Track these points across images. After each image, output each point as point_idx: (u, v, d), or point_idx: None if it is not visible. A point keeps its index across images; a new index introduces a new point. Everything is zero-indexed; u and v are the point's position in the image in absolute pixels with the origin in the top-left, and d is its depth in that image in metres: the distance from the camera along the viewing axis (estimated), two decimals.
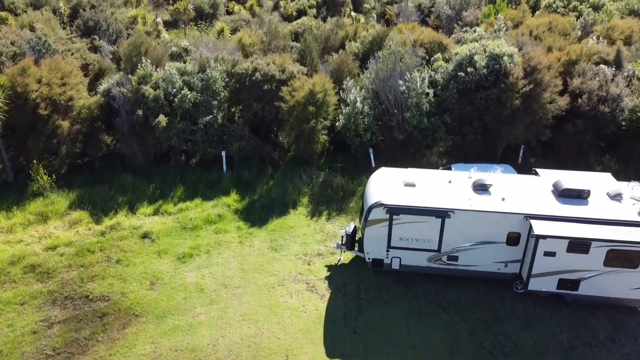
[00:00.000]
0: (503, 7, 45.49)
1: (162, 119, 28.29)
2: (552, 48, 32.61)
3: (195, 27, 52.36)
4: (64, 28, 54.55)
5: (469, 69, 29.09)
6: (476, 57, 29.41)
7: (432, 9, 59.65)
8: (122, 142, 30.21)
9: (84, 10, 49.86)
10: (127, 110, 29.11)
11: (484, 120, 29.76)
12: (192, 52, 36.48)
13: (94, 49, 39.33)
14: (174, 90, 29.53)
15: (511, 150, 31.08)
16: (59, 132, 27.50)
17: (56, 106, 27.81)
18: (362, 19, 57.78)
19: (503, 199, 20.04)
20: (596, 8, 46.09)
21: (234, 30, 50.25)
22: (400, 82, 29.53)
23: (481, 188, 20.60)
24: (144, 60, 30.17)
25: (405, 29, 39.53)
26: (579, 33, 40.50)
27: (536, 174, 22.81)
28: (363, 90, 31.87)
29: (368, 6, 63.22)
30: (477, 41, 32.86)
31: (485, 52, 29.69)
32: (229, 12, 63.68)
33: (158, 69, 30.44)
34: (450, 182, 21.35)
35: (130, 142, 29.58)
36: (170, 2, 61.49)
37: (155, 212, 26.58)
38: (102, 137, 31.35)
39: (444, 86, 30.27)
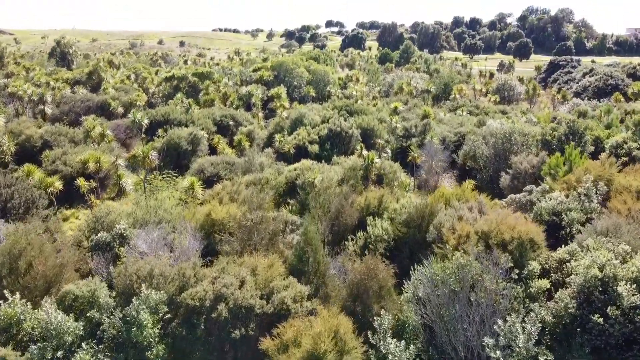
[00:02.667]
0: (575, 157, 33.25)
1: None
2: None
3: (160, 177, 40.01)
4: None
5: (609, 311, 15.65)
6: (620, 288, 16.06)
7: (463, 145, 48.30)
8: None
9: None
10: None
11: None
12: (131, 241, 23.24)
13: None
14: (60, 353, 15.65)
15: None
16: None
17: None
18: (377, 159, 45.91)
19: None
20: None
21: (209, 182, 38.14)
22: (486, 340, 15.71)
23: None
24: (9, 297, 16.54)
25: (455, 199, 26.79)
26: None
27: None
28: (409, 327, 18.23)
29: (381, 141, 51.99)
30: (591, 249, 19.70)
31: (625, 268, 16.48)
32: (212, 148, 52.32)
33: (38, 309, 16.76)
34: None
35: None
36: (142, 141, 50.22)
37: None
38: None
39: (564, 336, 16.57)
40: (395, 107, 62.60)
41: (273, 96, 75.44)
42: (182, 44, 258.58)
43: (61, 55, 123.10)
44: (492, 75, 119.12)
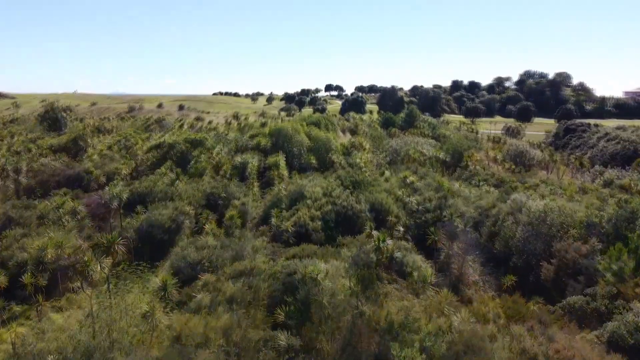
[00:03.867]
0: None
1: None
2: None
3: (131, 269, 32.89)
4: None
5: None
6: None
7: (485, 222, 41.70)
8: None
9: None
10: None
11: None
12: None
13: None
14: None
15: None
16: None
17: None
18: (389, 240, 39.19)
19: None
20: None
21: (190, 276, 31.01)
22: None
23: None
24: None
25: (502, 313, 19.94)
26: None
27: None
28: None
29: (394, 219, 45.37)
30: None
31: None
32: (198, 229, 45.55)
33: None
34: None
35: None
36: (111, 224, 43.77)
37: None
38: None
39: None
40: (405, 177, 56.57)
41: (271, 165, 69.76)
42: (181, 107, 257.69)
43: (52, 119, 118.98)
44: (499, 139, 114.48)
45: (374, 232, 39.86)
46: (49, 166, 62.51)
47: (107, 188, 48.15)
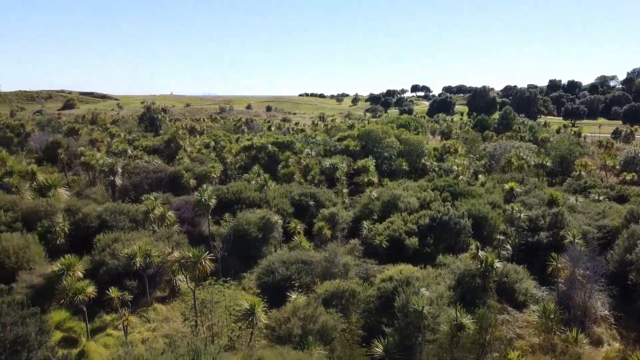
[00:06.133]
0: None
1: None
2: None
3: (219, 284, 30.86)
4: None
5: None
6: None
7: (630, 255, 34.66)
8: None
9: None
10: None
11: None
12: None
13: None
14: None
15: None
16: None
17: None
18: (497, 263, 34.57)
19: None
20: None
21: (277, 291, 28.10)
22: None
23: None
24: None
25: None
26: None
27: None
28: None
29: (501, 237, 40.08)
30: None
31: None
32: (287, 234, 43.28)
33: None
34: None
35: None
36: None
37: None
38: None
39: None
40: (512, 189, 50.88)
41: (360, 169, 66.60)
42: (268, 108, 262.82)
43: (150, 120, 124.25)
44: (611, 144, 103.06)
45: (481, 253, 35.28)
46: (142, 168, 63.69)
47: (196, 193, 47.40)
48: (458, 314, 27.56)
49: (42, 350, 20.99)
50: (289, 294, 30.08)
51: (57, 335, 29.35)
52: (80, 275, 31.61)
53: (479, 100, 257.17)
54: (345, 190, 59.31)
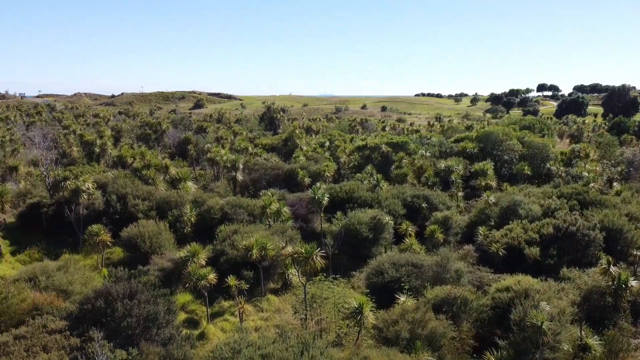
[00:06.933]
0: None
1: None
2: None
3: (328, 280, 31.55)
4: None
5: None
6: None
7: None
8: None
9: None
10: None
11: None
12: None
13: None
14: None
15: None
16: None
17: None
18: (633, 281, 31.10)
19: None
20: None
21: (385, 292, 27.94)
22: None
23: None
24: None
25: None
26: None
27: None
28: None
29: (637, 252, 35.86)
30: None
31: None
32: (398, 235, 42.73)
33: None
34: None
35: None
36: None
37: None
38: None
39: None
40: None
41: (477, 172, 63.78)
42: (383, 108, 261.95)
43: (270, 119, 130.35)
44: None
45: (612, 268, 31.97)
46: (261, 165, 67.07)
47: (310, 190, 48.73)
48: (583, 333, 25.41)
49: (169, 328, 23.08)
50: (397, 296, 29.77)
51: (182, 316, 31.96)
52: (203, 262, 34.20)
53: (617, 100, 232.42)
54: (460, 194, 57.24)
